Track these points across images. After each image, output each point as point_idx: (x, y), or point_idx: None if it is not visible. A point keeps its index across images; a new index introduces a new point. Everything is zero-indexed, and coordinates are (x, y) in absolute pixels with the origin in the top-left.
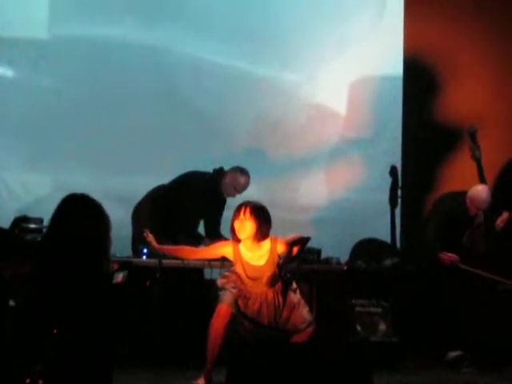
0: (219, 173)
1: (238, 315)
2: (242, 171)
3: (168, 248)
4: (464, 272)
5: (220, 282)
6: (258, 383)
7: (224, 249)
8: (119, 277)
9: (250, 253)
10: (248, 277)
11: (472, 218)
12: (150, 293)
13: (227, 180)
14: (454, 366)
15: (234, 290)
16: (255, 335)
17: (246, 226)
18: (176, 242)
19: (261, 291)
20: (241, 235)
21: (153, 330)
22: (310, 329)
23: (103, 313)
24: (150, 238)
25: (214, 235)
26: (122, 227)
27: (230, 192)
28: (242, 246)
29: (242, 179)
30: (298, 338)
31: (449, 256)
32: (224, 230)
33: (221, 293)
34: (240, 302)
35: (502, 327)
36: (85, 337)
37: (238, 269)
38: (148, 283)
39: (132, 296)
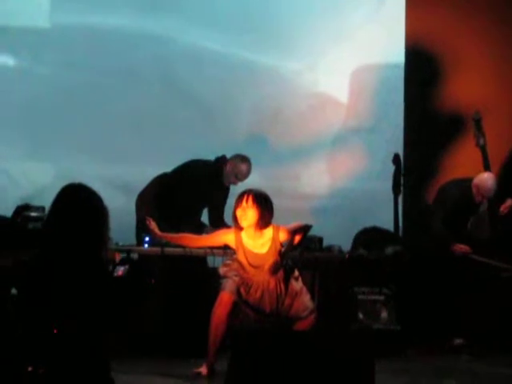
0: (222, 161)
1: (240, 303)
2: (243, 159)
3: (170, 236)
4: (470, 260)
5: (222, 270)
6: (260, 371)
7: (226, 236)
8: (120, 270)
9: (252, 241)
10: (250, 265)
11: (477, 206)
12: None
13: (228, 168)
14: (455, 353)
15: (236, 278)
16: (257, 323)
17: (248, 214)
18: (179, 231)
19: (263, 279)
20: (243, 223)
21: (155, 318)
22: (312, 316)
23: (100, 300)
24: (153, 225)
25: (218, 223)
26: (124, 215)
27: (231, 180)
28: (244, 234)
29: (243, 167)
30: (300, 326)
31: (461, 248)
32: (227, 217)
33: (223, 281)
34: (242, 290)
35: (505, 315)
36: (83, 324)
37: (240, 257)
38: (153, 281)
39: (133, 286)
